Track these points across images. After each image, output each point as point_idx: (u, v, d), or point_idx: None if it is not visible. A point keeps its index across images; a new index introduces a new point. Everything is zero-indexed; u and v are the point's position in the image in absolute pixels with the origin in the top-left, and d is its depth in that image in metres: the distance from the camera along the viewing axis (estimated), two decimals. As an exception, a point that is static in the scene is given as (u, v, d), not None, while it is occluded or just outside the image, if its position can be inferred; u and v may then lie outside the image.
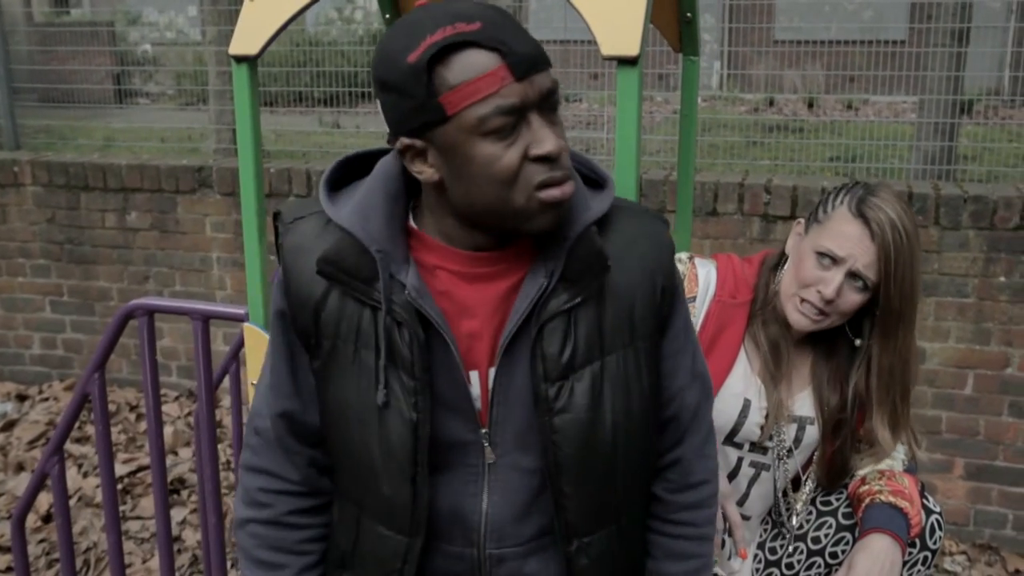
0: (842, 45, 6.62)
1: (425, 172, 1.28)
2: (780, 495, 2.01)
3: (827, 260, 1.81)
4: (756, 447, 1.95)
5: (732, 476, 1.97)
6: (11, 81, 5.29)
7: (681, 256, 1.95)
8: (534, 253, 1.36)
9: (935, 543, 1.93)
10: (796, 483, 2.03)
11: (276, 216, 1.45)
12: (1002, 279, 3.38)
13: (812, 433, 1.96)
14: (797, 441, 1.96)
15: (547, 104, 1.26)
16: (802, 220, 1.93)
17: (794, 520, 2.02)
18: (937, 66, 4.76)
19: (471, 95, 1.19)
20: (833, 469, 1.98)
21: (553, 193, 1.25)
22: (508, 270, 1.36)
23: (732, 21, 6.65)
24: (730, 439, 1.94)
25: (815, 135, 6.48)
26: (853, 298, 1.81)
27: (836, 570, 2.01)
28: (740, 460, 1.96)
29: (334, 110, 6.79)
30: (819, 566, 2.02)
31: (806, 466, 2.02)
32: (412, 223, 1.38)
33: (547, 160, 1.24)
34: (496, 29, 1.21)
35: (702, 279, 1.93)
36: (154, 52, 10.28)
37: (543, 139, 1.23)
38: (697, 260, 1.97)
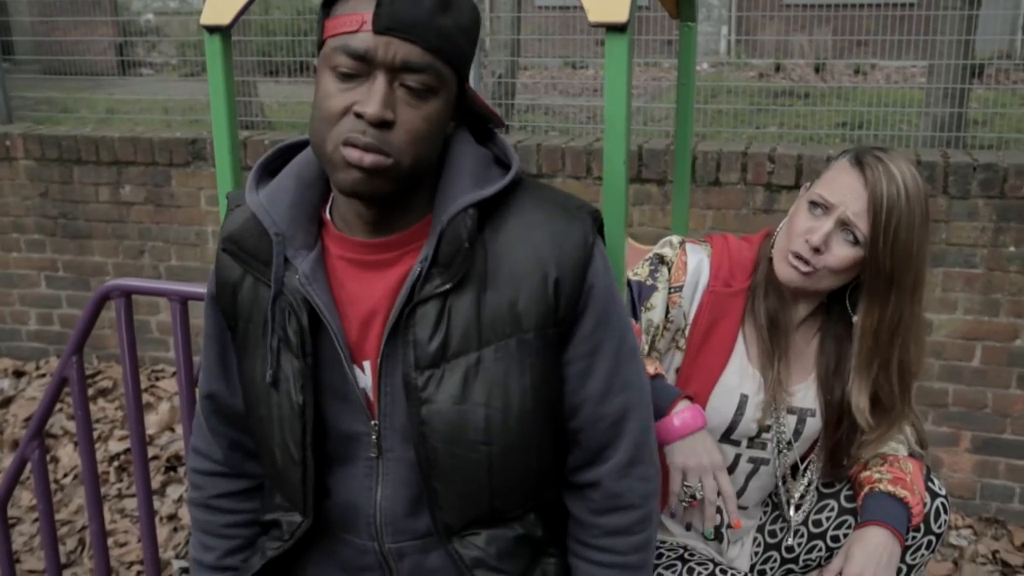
0: (851, 9, 6.49)
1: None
2: (781, 484, 1.94)
3: (818, 209, 1.71)
4: (754, 443, 1.87)
5: (730, 471, 1.89)
6: (2, 53, 5.22)
7: (672, 240, 1.86)
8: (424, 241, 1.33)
9: (940, 527, 1.87)
10: (795, 469, 1.97)
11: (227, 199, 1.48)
12: (1012, 249, 3.30)
13: (812, 425, 1.88)
14: (797, 434, 1.88)
15: (405, 77, 1.22)
16: (809, 184, 1.85)
17: (793, 512, 1.96)
18: (948, 30, 4.65)
19: (336, 27, 1.22)
20: (836, 460, 1.89)
21: (351, 153, 1.21)
22: (402, 257, 1.33)
23: (739, -15, 6.53)
24: (727, 437, 1.86)
25: (823, 101, 6.38)
26: (842, 252, 1.69)
27: (836, 553, 1.96)
28: (738, 457, 1.89)
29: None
30: (820, 549, 1.97)
31: (806, 455, 1.95)
32: (326, 214, 1.38)
33: (363, 119, 1.21)
34: None
35: (691, 268, 1.82)
36: (157, 22, 10.20)
37: (368, 100, 1.20)
38: (689, 246, 1.85)
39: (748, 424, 1.84)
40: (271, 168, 1.42)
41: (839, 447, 1.88)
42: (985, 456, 3.49)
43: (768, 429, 1.86)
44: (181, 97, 7.26)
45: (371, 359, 1.34)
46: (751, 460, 1.89)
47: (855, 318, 1.78)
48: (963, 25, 4.61)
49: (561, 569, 1.46)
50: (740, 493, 1.93)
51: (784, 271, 1.75)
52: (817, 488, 1.96)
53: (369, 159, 1.21)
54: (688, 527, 1.90)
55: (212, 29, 1.75)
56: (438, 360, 1.29)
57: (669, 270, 1.83)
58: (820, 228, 1.69)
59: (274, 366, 1.35)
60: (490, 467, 1.32)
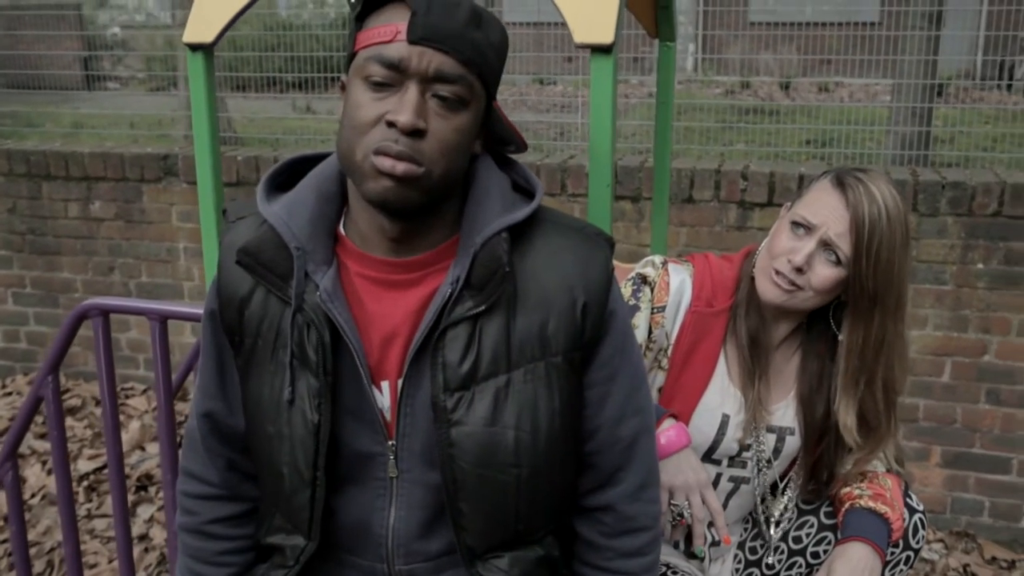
0: (816, 28, 6.58)
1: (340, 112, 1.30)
2: (759, 502, 1.96)
3: (801, 229, 1.72)
4: (735, 462, 1.88)
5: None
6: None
7: (655, 260, 1.86)
8: (451, 262, 1.33)
9: (918, 542, 1.89)
10: (774, 487, 1.98)
11: (224, 214, 1.45)
12: (980, 266, 3.35)
13: (792, 444, 1.89)
14: (776, 452, 1.89)
15: (437, 87, 1.23)
16: (789, 203, 1.87)
17: (772, 530, 1.97)
18: (912, 49, 4.73)
19: (369, 38, 1.23)
20: (816, 478, 1.91)
21: (383, 161, 1.22)
22: (425, 278, 1.33)
23: (707, 4, 6.60)
24: (708, 456, 1.86)
25: (790, 119, 6.45)
26: (825, 272, 1.70)
27: (817, 570, 1.97)
28: (719, 476, 1.89)
29: (307, 95, 6.70)
30: (800, 566, 1.98)
31: (785, 473, 1.96)
32: (341, 229, 1.37)
33: (395, 128, 1.22)
34: None
35: (674, 287, 1.82)
36: (123, 35, 10.12)
37: (401, 109, 1.21)
38: (671, 266, 1.85)
39: (729, 443, 1.84)
40: (278, 182, 1.40)
41: (819, 465, 1.89)
42: (955, 470, 3.53)
43: (748, 448, 1.86)
44: (148, 111, 7.20)
45: (390, 379, 1.33)
46: (732, 479, 1.89)
47: (840, 336, 1.79)
48: (926, 45, 4.70)
49: None
50: (716, 546, 1.94)
51: (767, 289, 1.76)
52: (797, 505, 1.97)
53: (401, 167, 1.21)
54: (676, 545, 1.90)
55: (195, 47, 1.75)
56: (468, 383, 1.29)
57: (652, 290, 1.83)
58: (803, 248, 1.70)
59: (291, 383, 1.32)
60: (518, 489, 1.32)
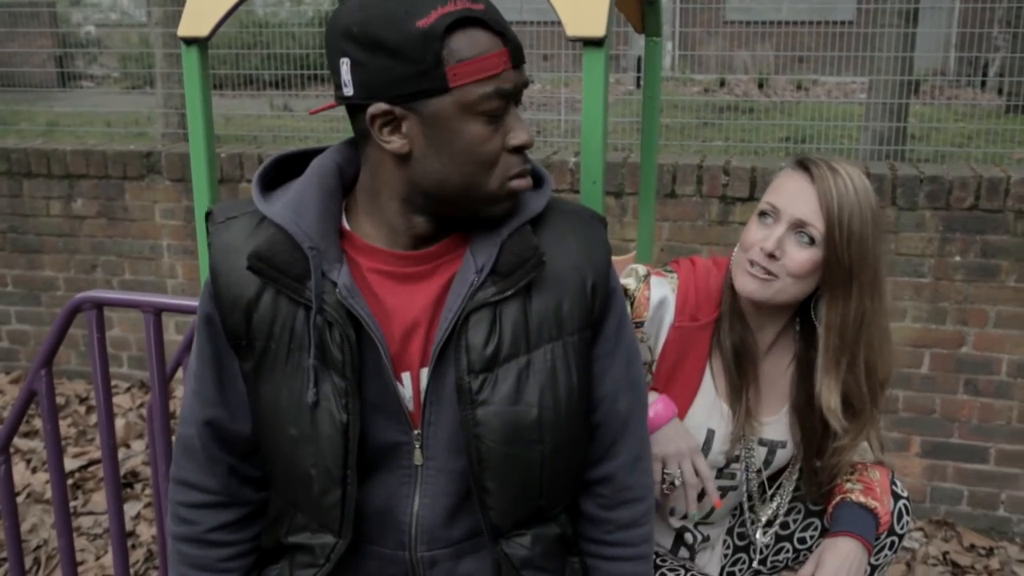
0: (792, 26, 6.65)
1: (394, 143, 1.26)
2: (747, 504, 1.98)
3: (769, 218, 1.71)
4: (723, 473, 1.88)
5: (699, 499, 1.90)
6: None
7: (638, 271, 1.84)
8: (462, 252, 1.35)
9: (902, 528, 1.93)
10: (763, 488, 1.99)
11: (207, 216, 1.42)
12: (957, 259, 3.40)
13: (783, 456, 1.89)
14: (767, 463, 1.90)
15: (519, 98, 1.30)
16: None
17: (760, 535, 2.00)
18: (886, 46, 4.78)
19: (477, 72, 1.21)
20: (818, 483, 1.90)
21: (521, 183, 1.31)
22: (438, 269, 1.35)
23: (683, 1, 6.64)
24: None
25: (767, 116, 6.52)
26: (800, 255, 1.68)
27: (804, 555, 2.01)
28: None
29: (284, 93, 6.69)
30: (787, 551, 2.02)
31: (775, 478, 1.98)
32: (345, 224, 1.37)
33: (520, 151, 1.30)
34: (496, 14, 1.25)
35: (654, 303, 1.79)
36: (98, 33, 10.05)
37: (520, 130, 1.28)
38: (654, 280, 1.82)
39: (715, 457, 1.85)
40: (267, 179, 1.40)
41: (822, 472, 1.88)
42: (934, 460, 3.59)
43: (737, 459, 1.88)
44: (123, 110, 7.16)
45: (412, 370, 1.36)
46: (719, 488, 1.90)
47: (819, 318, 1.76)
48: (901, 42, 4.76)
49: (583, 567, 1.52)
50: (708, 515, 1.96)
51: (743, 282, 1.73)
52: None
53: (530, 181, 1.34)
54: (672, 511, 1.92)
55: (190, 41, 1.75)
56: (492, 364, 1.32)
57: (632, 304, 1.80)
58: (773, 234, 1.69)
59: (315, 385, 1.31)
60: (542, 464, 1.36)
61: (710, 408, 1.82)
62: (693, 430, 1.81)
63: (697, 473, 1.75)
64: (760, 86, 8.26)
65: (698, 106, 6.78)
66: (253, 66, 6.17)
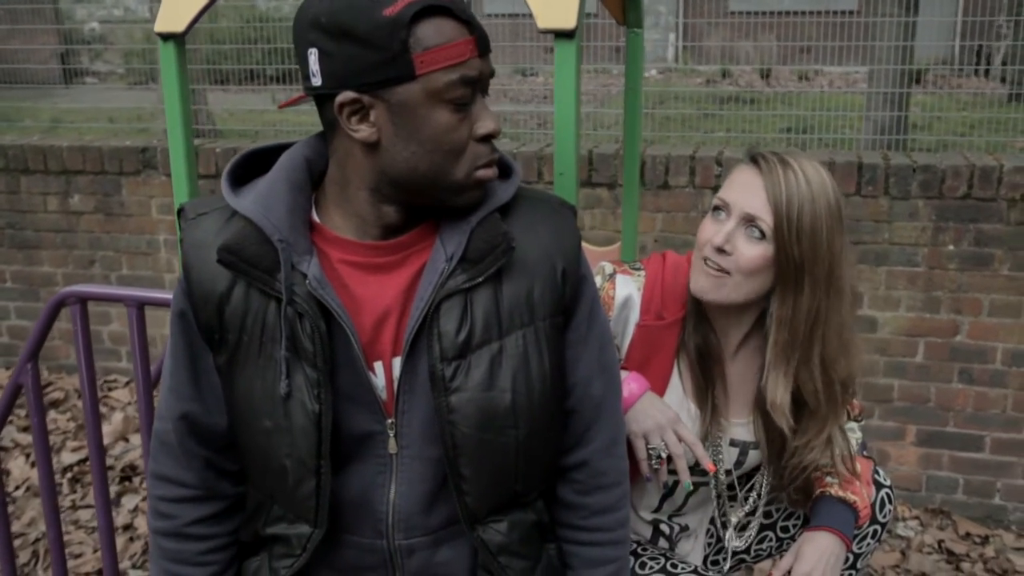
0: (795, 16, 6.63)
1: (362, 131, 1.27)
2: (716, 504, 1.96)
3: (721, 213, 1.69)
4: (694, 471, 1.82)
5: (669, 494, 1.90)
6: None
7: (605, 269, 1.82)
8: (432, 241, 1.36)
9: (885, 516, 1.93)
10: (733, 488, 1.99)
11: (179, 212, 1.43)
12: (951, 248, 3.40)
13: (755, 457, 1.88)
14: (739, 464, 1.89)
15: (486, 87, 1.32)
16: None
17: (735, 540, 1.99)
18: (887, 36, 4.77)
19: (443, 59, 1.23)
20: (785, 488, 1.88)
21: (488, 173, 1.32)
22: (408, 259, 1.36)
23: (685, -8, 6.63)
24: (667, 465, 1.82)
25: (768, 106, 6.49)
26: (750, 250, 1.65)
27: (788, 543, 2.02)
28: (677, 481, 1.88)
29: (287, 87, 6.70)
30: (770, 540, 2.03)
31: (748, 478, 1.97)
32: (315, 216, 1.38)
33: (488, 140, 1.31)
34: (462, 4, 1.26)
35: (619, 301, 1.77)
36: (101, 30, 10.08)
37: (487, 119, 1.30)
38: (620, 278, 1.80)
39: (686, 455, 1.80)
40: (237, 175, 1.40)
41: (783, 473, 1.86)
42: (929, 449, 3.58)
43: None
44: (128, 106, 7.18)
45: (384, 359, 1.37)
46: (692, 483, 1.84)
47: (770, 311, 1.73)
48: (901, 31, 4.74)
49: (560, 553, 1.53)
50: (679, 509, 1.96)
51: (697, 281, 1.72)
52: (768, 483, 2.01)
53: (496, 171, 1.35)
54: (665, 486, 1.88)
55: (166, 36, 1.76)
56: (464, 351, 1.33)
57: None
58: (723, 228, 1.67)
59: (286, 376, 1.32)
60: (517, 450, 1.37)
61: (679, 407, 1.79)
62: None
63: (682, 441, 1.71)
64: (764, 76, 8.24)
65: (700, 97, 6.77)
66: (255, 61, 6.19)
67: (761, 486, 1.95)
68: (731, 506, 1.99)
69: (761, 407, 1.79)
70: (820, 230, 1.63)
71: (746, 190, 1.66)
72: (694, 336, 1.77)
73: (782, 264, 1.65)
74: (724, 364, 1.81)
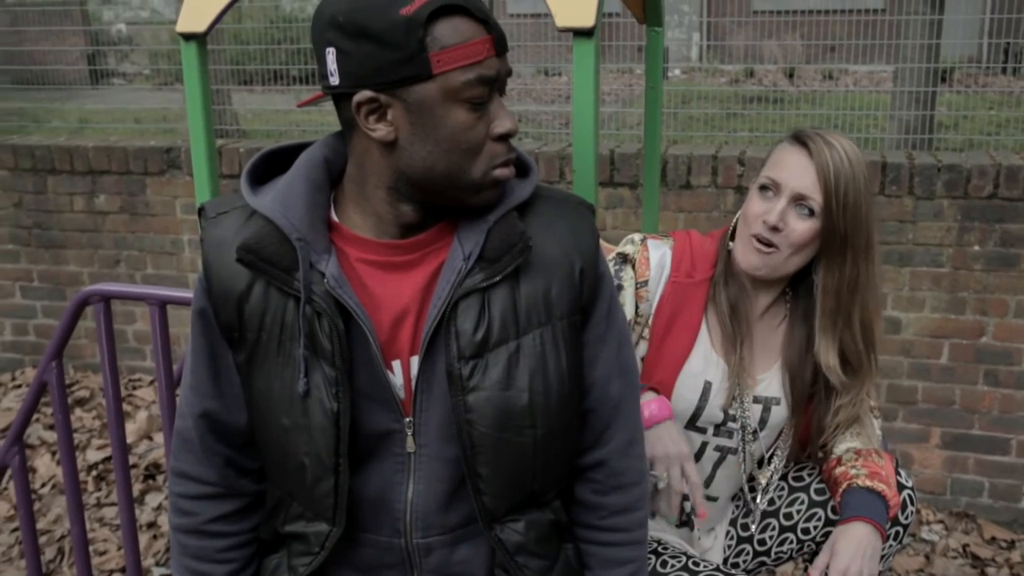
0: (821, 15, 6.58)
1: (380, 130, 1.27)
2: (746, 478, 1.98)
3: (769, 192, 1.79)
4: (720, 431, 1.91)
5: (697, 459, 1.93)
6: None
7: (634, 238, 1.91)
8: (450, 240, 1.37)
9: (907, 518, 1.92)
10: (761, 462, 2.00)
11: (200, 212, 1.44)
12: (976, 248, 3.36)
13: (778, 414, 1.92)
14: (763, 422, 1.92)
15: (504, 87, 1.31)
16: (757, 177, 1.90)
17: (759, 499, 2.00)
18: (913, 34, 4.73)
19: (460, 59, 1.23)
20: (803, 443, 1.96)
21: (505, 172, 1.32)
22: (426, 257, 1.37)
23: (709, -9, 6.60)
24: (693, 423, 1.90)
25: (794, 106, 6.45)
26: (800, 226, 1.76)
27: (808, 546, 2.00)
28: (705, 444, 1.93)
29: (311, 88, 6.73)
30: (791, 542, 2.01)
31: (771, 445, 1.99)
32: (333, 215, 1.38)
33: (505, 139, 1.31)
34: (479, 3, 1.26)
35: (655, 262, 1.88)
36: (128, 31, 10.17)
37: (504, 119, 1.29)
38: (651, 242, 1.91)
39: (713, 411, 1.88)
40: (257, 174, 1.41)
41: (809, 428, 1.93)
42: (954, 452, 3.55)
43: (733, 418, 1.90)
44: (154, 107, 7.24)
45: (402, 358, 1.37)
46: (717, 448, 1.93)
47: (816, 280, 1.84)
48: (928, 29, 4.69)
49: (577, 553, 1.53)
50: (708, 482, 1.97)
51: (747, 258, 1.81)
52: (787, 482, 2.00)
53: (513, 170, 1.35)
54: (653, 514, 1.92)
55: (188, 36, 1.78)
56: (481, 350, 1.33)
57: (633, 267, 1.88)
58: (775, 207, 1.76)
59: (305, 375, 1.33)
60: (535, 449, 1.38)
61: (706, 360, 1.87)
62: (690, 381, 1.85)
63: (686, 480, 1.76)
64: (789, 76, 8.18)
65: (725, 96, 6.74)
66: (280, 61, 6.22)
67: (784, 451, 1.98)
68: (758, 471, 2.00)
69: (788, 361, 1.90)
70: (860, 204, 1.77)
71: (796, 170, 1.76)
72: (727, 290, 1.86)
73: (829, 238, 1.77)
74: (751, 324, 1.89)
